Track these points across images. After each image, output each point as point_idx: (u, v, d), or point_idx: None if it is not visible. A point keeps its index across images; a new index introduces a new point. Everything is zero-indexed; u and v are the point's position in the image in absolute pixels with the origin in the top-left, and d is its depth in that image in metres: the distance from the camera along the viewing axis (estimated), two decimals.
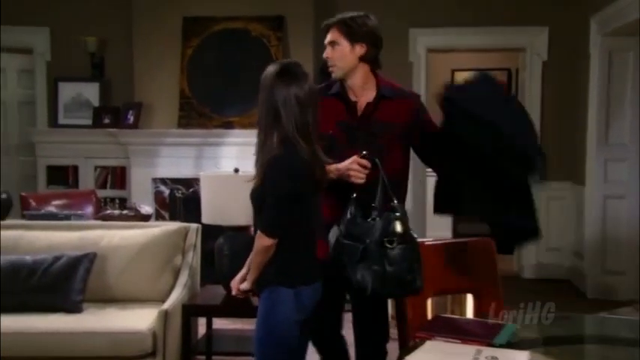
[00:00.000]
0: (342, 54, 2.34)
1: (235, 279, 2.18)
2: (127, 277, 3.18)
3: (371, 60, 2.35)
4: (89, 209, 5.04)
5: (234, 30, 5.55)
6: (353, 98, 2.39)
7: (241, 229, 2.98)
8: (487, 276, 2.44)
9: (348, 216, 2.15)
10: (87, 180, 5.71)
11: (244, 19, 5.55)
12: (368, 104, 2.37)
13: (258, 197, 2.04)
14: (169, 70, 5.55)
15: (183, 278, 3.22)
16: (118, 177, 5.75)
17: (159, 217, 5.49)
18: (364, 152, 2.21)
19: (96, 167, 5.73)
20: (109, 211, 3.71)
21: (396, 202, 2.10)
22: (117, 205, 5.50)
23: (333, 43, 2.35)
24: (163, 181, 5.58)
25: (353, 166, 2.22)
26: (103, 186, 5.72)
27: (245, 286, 2.12)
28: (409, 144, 2.43)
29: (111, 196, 5.67)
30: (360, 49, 2.33)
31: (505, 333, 1.84)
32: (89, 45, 5.69)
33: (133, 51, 5.59)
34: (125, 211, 3.61)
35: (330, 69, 2.38)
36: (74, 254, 3.14)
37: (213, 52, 5.55)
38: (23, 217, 3.88)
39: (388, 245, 2.00)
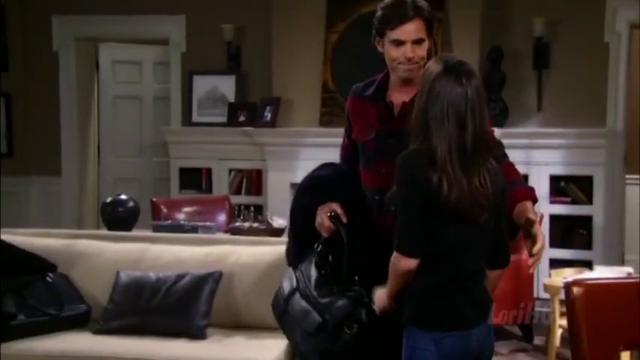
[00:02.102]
0: (424, 52, 2.26)
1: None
2: (253, 300, 3.26)
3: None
4: (222, 217, 5.27)
5: None
6: (392, 99, 2.31)
7: None
8: None
9: (313, 273, 2.18)
10: (220, 184, 5.97)
11: None
12: (404, 104, 2.27)
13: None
14: (311, 59, 5.63)
15: None
16: (253, 181, 5.95)
17: None
18: (333, 213, 2.22)
19: (230, 170, 5.97)
20: (238, 224, 3.84)
21: (357, 278, 2.13)
22: (251, 214, 5.68)
23: (420, 42, 2.23)
24: None
25: (320, 218, 2.24)
26: (238, 191, 5.94)
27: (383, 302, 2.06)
28: None
29: (245, 203, 5.84)
30: (429, 43, 2.28)
31: None
32: (225, 33, 5.95)
33: (272, 39, 5.76)
34: (255, 224, 3.71)
35: (406, 69, 2.26)
36: (199, 273, 3.28)
37: (361, 38, 5.48)
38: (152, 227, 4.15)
39: (347, 330, 2.08)
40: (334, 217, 2.21)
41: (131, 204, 3.87)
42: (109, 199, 3.91)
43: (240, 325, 3.26)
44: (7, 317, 3.06)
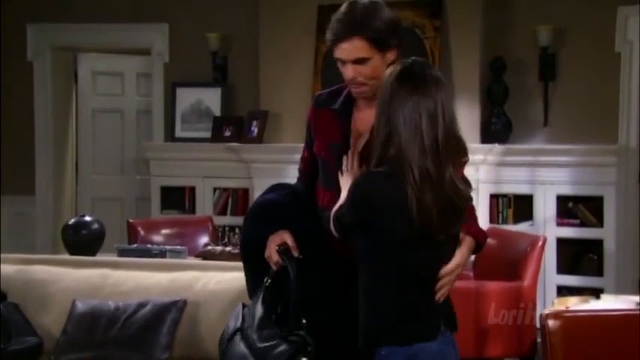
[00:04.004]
0: (374, 69, 2.18)
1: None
2: (219, 331, 3.15)
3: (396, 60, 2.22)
4: (203, 240, 5.23)
5: None
6: (360, 116, 2.26)
7: None
8: None
9: (259, 311, 2.14)
10: (205, 204, 5.96)
11: (393, 4, 5.41)
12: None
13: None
14: (301, 70, 5.64)
15: None
16: (239, 201, 5.93)
17: None
18: (282, 247, 2.17)
19: (215, 189, 5.96)
20: (209, 248, 3.82)
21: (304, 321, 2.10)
22: (236, 237, 5.66)
23: (362, 61, 2.17)
24: None
25: (269, 250, 2.20)
26: (223, 212, 5.93)
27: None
28: None
29: (230, 224, 5.84)
30: (391, 55, 2.20)
31: None
32: (211, 42, 5.96)
33: (260, 49, 5.77)
34: (228, 248, 3.69)
35: (355, 91, 2.23)
36: (161, 301, 3.24)
37: None
38: None
39: None
40: (283, 252, 2.15)
41: (96, 226, 3.85)
42: (71, 221, 3.89)
43: (204, 358, 3.21)
44: None
